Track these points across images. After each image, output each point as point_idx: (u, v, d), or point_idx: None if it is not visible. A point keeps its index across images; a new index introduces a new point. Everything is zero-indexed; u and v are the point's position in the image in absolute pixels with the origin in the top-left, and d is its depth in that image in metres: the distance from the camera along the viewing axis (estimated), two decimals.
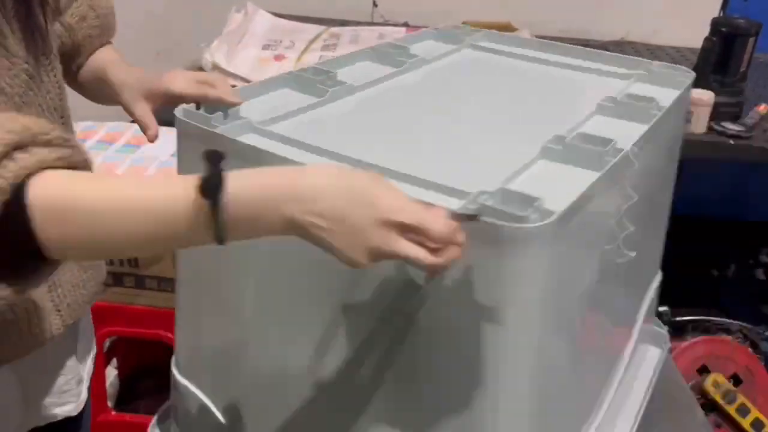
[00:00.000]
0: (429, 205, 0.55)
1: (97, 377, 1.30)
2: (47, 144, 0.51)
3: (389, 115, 0.86)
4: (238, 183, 0.50)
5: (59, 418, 0.84)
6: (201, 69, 1.66)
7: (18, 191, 0.49)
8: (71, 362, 0.85)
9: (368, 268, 0.53)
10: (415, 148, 0.77)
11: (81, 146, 0.54)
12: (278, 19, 2.02)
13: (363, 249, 0.51)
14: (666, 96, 0.92)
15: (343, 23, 2.06)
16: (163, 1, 1.96)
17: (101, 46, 0.89)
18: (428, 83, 0.97)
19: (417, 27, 1.99)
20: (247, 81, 1.59)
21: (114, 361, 1.65)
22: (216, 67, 1.62)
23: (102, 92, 0.87)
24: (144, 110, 0.83)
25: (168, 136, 0.78)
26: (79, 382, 0.87)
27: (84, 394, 0.88)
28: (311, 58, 1.71)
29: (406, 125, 0.84)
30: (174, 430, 0.90)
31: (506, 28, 2.04)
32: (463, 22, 2.09)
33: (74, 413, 0.86)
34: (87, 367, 0.90)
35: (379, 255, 0.52)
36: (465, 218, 0.56)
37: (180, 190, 0.50)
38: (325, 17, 2.11)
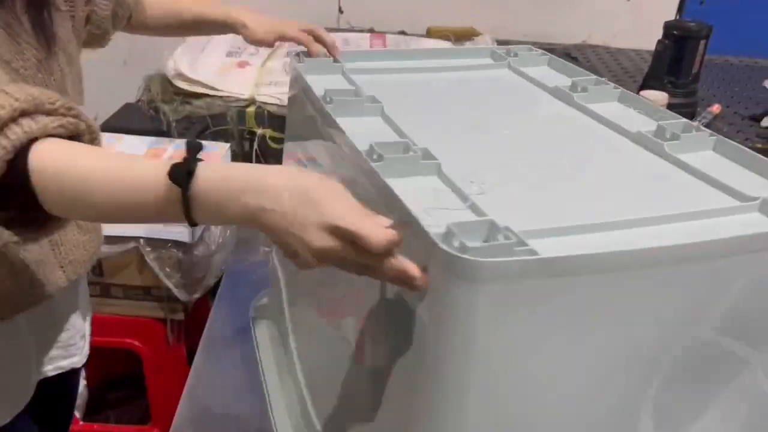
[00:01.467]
0: (371, 213, 0.55)
1: None
2: (51, 113, 0.59)
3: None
4: (205, 173, 0.55)
5: (67, 370, 0.95)
6: (164, 76, 1.66)
7: (22, 154, 0.56)
8: (76, 319, 0.95)
9: (316, 267, 0.55)
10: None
11: (84, 115, 0.61)
12: None
13: (307, 248, 0.54)
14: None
15: None
16: None
17: None
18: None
19: (382, 33, 2.01)
20: (212, 88, 1.59)
21: (82, 370, 1.64)
22: (179, 75, 1.63)
23: (201, 31, 1.10)
24: (266, 41, 1.01)
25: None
26: (82, 337, 0.98)
27: (86, 348, 0.99)
28: (276, 65, 1.72)
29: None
30: None
31: (469, 33, 2.08)
32: (428, 28, 2.13)
33: (79, 365, 0.97)
34: (87, 326, 1.01)
35: (322, 257, 0.54)
36: (402, 226, 0.55)
37: (152, 172, 0.56)
38: None
